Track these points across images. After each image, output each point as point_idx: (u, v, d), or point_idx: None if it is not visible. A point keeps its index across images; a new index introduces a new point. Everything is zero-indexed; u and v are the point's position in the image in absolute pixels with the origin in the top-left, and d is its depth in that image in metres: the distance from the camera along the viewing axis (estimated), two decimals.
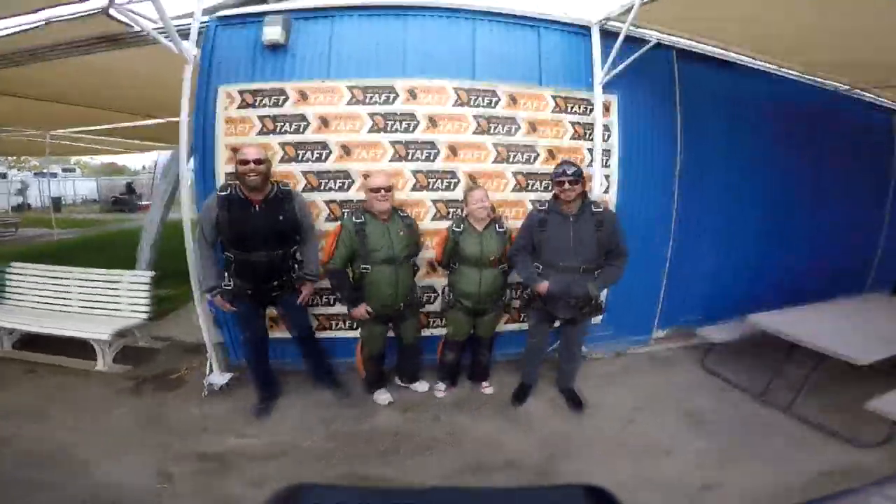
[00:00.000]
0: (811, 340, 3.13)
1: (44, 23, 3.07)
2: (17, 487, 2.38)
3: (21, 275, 4.41)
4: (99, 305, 4.13)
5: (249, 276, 2.90)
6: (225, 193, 2.83)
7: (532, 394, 3.40)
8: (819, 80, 4.43)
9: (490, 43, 3.64)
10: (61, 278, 4.31)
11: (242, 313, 3.04)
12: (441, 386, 3.45)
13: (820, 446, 2.84)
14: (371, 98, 3.47)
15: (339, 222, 3.06)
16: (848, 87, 4.60)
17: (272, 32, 3.29)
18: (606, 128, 3.78)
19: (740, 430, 3.03)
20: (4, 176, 19.68)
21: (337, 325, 3.68)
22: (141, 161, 30.10)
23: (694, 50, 3.90)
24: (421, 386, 3.47)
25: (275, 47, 3.39)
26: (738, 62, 4.07)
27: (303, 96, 3.41)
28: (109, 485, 2.45)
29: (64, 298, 4.24)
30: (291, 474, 2.59)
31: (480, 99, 3.57)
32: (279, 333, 3.40)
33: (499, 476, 2.61)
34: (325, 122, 3.43)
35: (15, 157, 19.88)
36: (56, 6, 2.87)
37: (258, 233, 2.81)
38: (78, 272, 4.29)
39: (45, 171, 17.63)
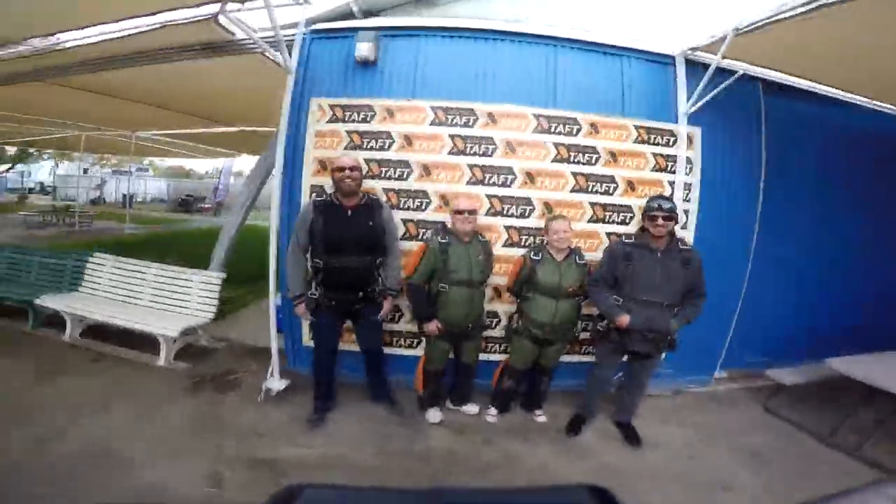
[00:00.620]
0: (892, 385, 3.00)
1: (160, 25, 3.27)
2: (64, 482, 2.40)
3: (100, 264, 4.65)
4: (169, 301, 4.28)
5: (337, 284, 2.97)
6: (321, 200, 3.01)
7: (587, 426, 3.33)
8: None
9: (572, 71, 3.63)
10: (136, 272, 4.51)
11: (321, 324, 3.10)
12: (493, 411, 3.38)
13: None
14: (452, 120, 3.50)
15: (422, 241, 3.13)
16: None
17: (364, 49, 3.40)
18: (689, 160, 3.68)
19: (803, 470, 2.93)
20: (86, 172, 21.32)
21: (398, 341, 3.66)
22: (205, 166, 31.82)
23: (783, 82, 3.74)
24: (471, 408, 3.42)
25: (365, 63, 3.49)
26: (832, 95, 3.83)
27: (389, 114, 3.48)
28: (156, 485, 2.45)
29: (136, 291, 4.42)
30: None
31: (561, 126, 3.54)
32: (342, 345, 3.37)
33: None
34: (408, 140, 3.48)
35: (98, 155, 21.51)
36: (172, 10, 3.07)
37: (350, 236, 2.91)
38: (153, 267, 4.48)
39: (122, 169, 18.97)
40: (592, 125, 3.56)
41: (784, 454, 3.11)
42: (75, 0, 3.03)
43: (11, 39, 3.70)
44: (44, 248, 5.33)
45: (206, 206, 20.34)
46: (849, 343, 3.67)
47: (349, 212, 2.94)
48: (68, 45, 3.72)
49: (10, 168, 19.50)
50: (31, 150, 17.57)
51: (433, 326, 3.05)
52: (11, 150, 17.18)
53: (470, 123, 3.51)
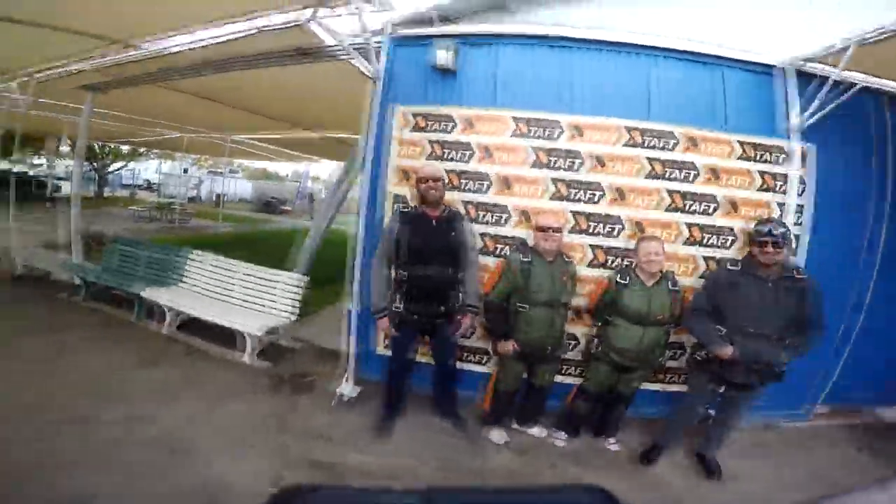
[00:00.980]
0: None
1: (257, 31, 3.44)
2: (132, 469, 2.55)
3: (199, 261, 5.04)
4: (256, 300, 4.51)
5: (419, 295, 2.96)
6: (407, 210, 3.03)
7: (663, 456, 3.13)
8: None
9: (667, 81, 3.39)
10: (229, 270, 4.81)
11: (401, 339, 3.11)
12: (562, 434, 3.26)
13: None
14: (534, 132, 3.39)
15: (502, 257, 3.06)
16: None
17: (443, 56, 3.36)
18: (801, 180, 3.35)
19: None
20: (186, 171, 23.50)
21: (467, 357, 3.59)
22: (285, 169, 33.71)
23: None
24: (538, 431, 3.30)
25: (444, 71, 3.46)
26: None
27: (469, 124, 3.43)
28: (221, 478, 2.55)
29: (228, 288, 4.71)
30: None
31: (655, 140, 3.31)
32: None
33: None
34: (487, 151, 3.41)
35: (197, 156, 23.61)
36: (265, 15, 3.23)
37: (434, 247, 2.92)
38: (243, 267, 4.76)
39: (217, 170, 20.62)
40: (690, 139, 3.30)
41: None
42: (182, 3, 3.24)
43: (127, 42, 4.03)
44: (151, 243, 5.85)
45: (288, 208, 21.63)
46: None
47: (433, 221, 2.94)
48: (174, 49, 4.01)
49: (124, 166, 21.83)
50: (141, 150, 19.59)
51: (509, 346, 2.95)
52: (125, 149, 19.20)
53: (554, 136, 3.37)
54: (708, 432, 3.13)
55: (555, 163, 3.36)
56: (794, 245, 3.30)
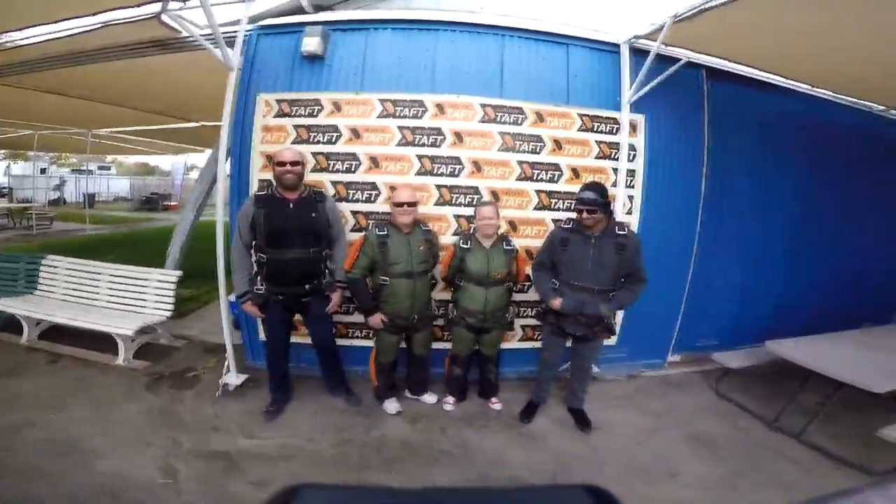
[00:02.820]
0: (827, 368, 3.09)
1: (101, 25, 3.24)
2: (23, 475, 2.46)
3: (54, 267, 4.58)
4: (126, 301, 4.25)
5: (282, 277, 2.97)
6: (262, 193, 2.97)
7: (541, 412, 3.39)
8: (853, 99, 4.32)
9: (519, 60, 3.66)
10: (92, 273, 4.45)
11: (270, 319, 3.10)
12: (450, 399, 3.43)
13: (829, 474, 2.82)
14: (401, 112, 3.52)
15: (363, 233, 3.10)
16: (884, 108, 4.47)
17: (311, 43, 3.39)
18: (633, 147, 3.76)
19: (749, 455, 3.01)
20: (44, 171, 20.52)
21: (353, 333, 3.71)
22: (171, 162, 30.93)
23: (724, 69, 3.85)
24: (430, 398, 3.47)
25: (312, 58, 3.49)
26: (770, 81, 3.98)
27: (336, 108, 3.49)
28: (114, 476, 2.51)
29: (92, 292, 4.37)
30: (297, 477, 2.61)
31: (507, 116, 3.59)
32: (297, 338, 3.44)
33: None
34: (356, 133, 3.50)
35: (56, 154, 20.72)
36: (115, 9, 3.04)
37: (292, 229, 2.91)
38: (108, 268, 4.44)
39: (82, 168, 18.32)
40: (538, 114, 3.62)
41: (731, 440, 3.18)
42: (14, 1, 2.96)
43: None
44: None
45: (173, 203, 19.86)
46: (802, 325, 3.81)
47: (291, 204, 2.93)
48: (8, 45, 3.66)
49: None
50: None
51: (377, 319, 3.05)
52: None
53: (419, 115, 3.53)
54: (570, 386, 3.40)
55: (420, 140, 3.52)
56: (626, 205, 3.73)
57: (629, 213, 3.80)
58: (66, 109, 6.51)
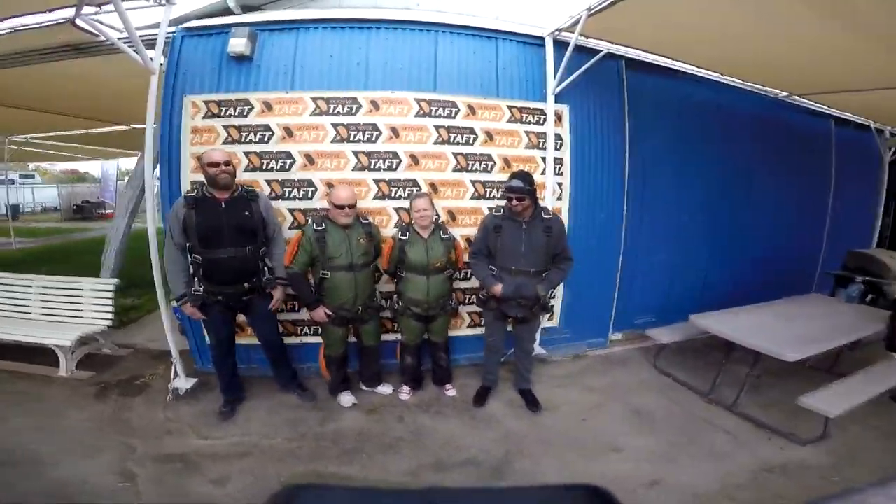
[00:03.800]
0: (743, 338, 3.29)
1: (10, 31, 3.13)
2: None
3: None
4: (61, 313, 4.12)
5: (218, 277, 2.96)
6: (192, 194, 2.94)
7: (493, 395, 3.52)
8: (760, 87, 4.69)
9: (451, 55, 3.77)
10: (21, 286, 4.27)
11: (211, 320, 3.10)
12: (405, 389, 3.51)
13: (761, 443, 3.01)
14: (335, 109, 3.57)
15: (301, 229, 3.13)
16: (787, 94, 4.87)
17: (238, 44, 3.38)
18: (559, 137, 3.94)
19: (687, 427, 3.19)
20: None
21: (302, 330, 3.76)
22: (102, 168, 29.10)
23: (641, 59, 4.12)
24: (385, 389, 3.55)
25: (240, 59, 3.48)
26: (684, 70, 4.28)
27: (267, 107, 3.51)
28: (69, 483, 2.49)
29: (24, 306, 4.21)
30: (254, 473, 2.67)
31: (441, 110, 3.71)
32: (245, 339, 3.47)
33: (458, 474, 2.72)
34: (288, 132, 3.53)
35: None
36: (24, 15, 2.96)
37: (225, 228, 2.90)
38: (38, 280, 4.27)
39: (1, 178, 16.95)
40: (469, 107, 3.75)
41: (669, 413, 3.34)
42: None
43: None
44: None
45: (109, 211, 18.74)
46: (727, 300, 4.06)
47: (223, 203, 2.93)
48: None
49: None
50: None
51: (320, 313, 3.10)
52: None
53: (353, 112, 3.58)
54: (516, 368, 3.52)
55: (355, 136, 3.59)
56: (556, 191, 3.94)
57: (559, 199, 4.01)
58: None
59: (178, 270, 2.98)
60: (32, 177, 23.97)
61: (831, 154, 5.98)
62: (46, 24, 3.07)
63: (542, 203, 3.34)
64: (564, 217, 3.94)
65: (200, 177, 3.28)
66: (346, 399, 3.38)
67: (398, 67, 3.69)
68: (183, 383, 3.50)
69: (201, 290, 2.97)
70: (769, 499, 2.51)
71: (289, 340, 3.63)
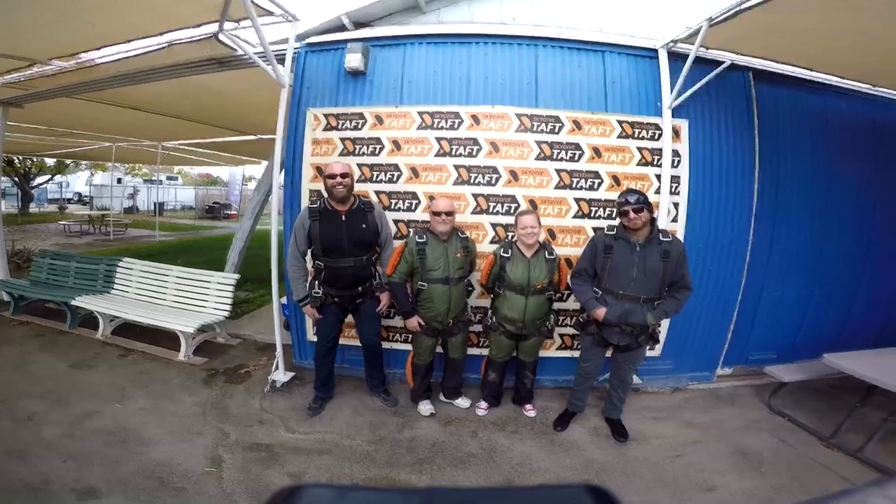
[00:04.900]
0: (890, 381, 2.87)
1: (167, 44, 3.60)
2: (84, 459, 2.71)
3: (129, 269, 5.07)
4: (189, 301, 4.65)
5: (337, 282, 3.17)
6: (315, 206, 3.16)
7: (576, 421, 3.36)
8: None
9: (553, 69, 3.70)
10: (161, 274, 4.90)
11: (324, 319, 3.30)
12: (483, 404, 3.47)
13: None
14: (438, 123, 3.65)
15: (404, 240, 3.22)
16: None
17: (353, 60, 3.58)
18: (676, 153, 3.67)
19: (798, 471, 2.86)
20: (120, 181, 22.38)
21: (394, 336, 3.85)
22: (229, 173, 32.86)
23: (772, 70, 3.71)
24: (463, 402, 3.53)
25: (355, 73, 3.69)
26: (823, 81, 3.79)
27: (379, 121, 3.67)
28: (164, 463, 2.73)
29: (160, 292, 4.81)
30: (330, 471, 2.75)
31: (543, 125, 3.63)
32: (343, 340, 3.61)
33: None
34: (397, 145, 3.66)
35: (130, 165, 22.50)
36: (177, 30, 3.39)
37: (346, 240, 3.09)
38: (176, 270, 4.86)
39: (153, 178, 19.84)
40: (575, 122, 3.63)
41: (779, 455, 3.03)
42: (89, 24, 3.32)
43: (37, 60, 4.09)
44: (80, 254, 5.77)
45: (233, 212, 21.09)
46: (862, 338, 3.60)
47: (343, 216, 3.11)
48: (87, 65, 4.11)
49: (49, 179, 20.60)
50: (68, 162, 18.53)
51: (414, 322, 3.17)
52: (50, 162, 18.15)
53: (455, 126, 3.63)
54: (609, 396, 3.30)
55: (456, 150, 3.63)
56: (672, 212, 3.65)
57: (674, 220, 3.70)
58: (139, 123, 7.15)
59: (301, 275, 3.24)
60: (176, 178, 27.82)
61: None
62: (196, 38, 3.49)
63: (658, 224, 3.09)
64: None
65: (319, 185, 3.53)
66: (426, 408, 3.42)
67: (498, 82, 3.68)
68: (281, 376, 3.74)
69: (321, 292, 3.20)
70: None
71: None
